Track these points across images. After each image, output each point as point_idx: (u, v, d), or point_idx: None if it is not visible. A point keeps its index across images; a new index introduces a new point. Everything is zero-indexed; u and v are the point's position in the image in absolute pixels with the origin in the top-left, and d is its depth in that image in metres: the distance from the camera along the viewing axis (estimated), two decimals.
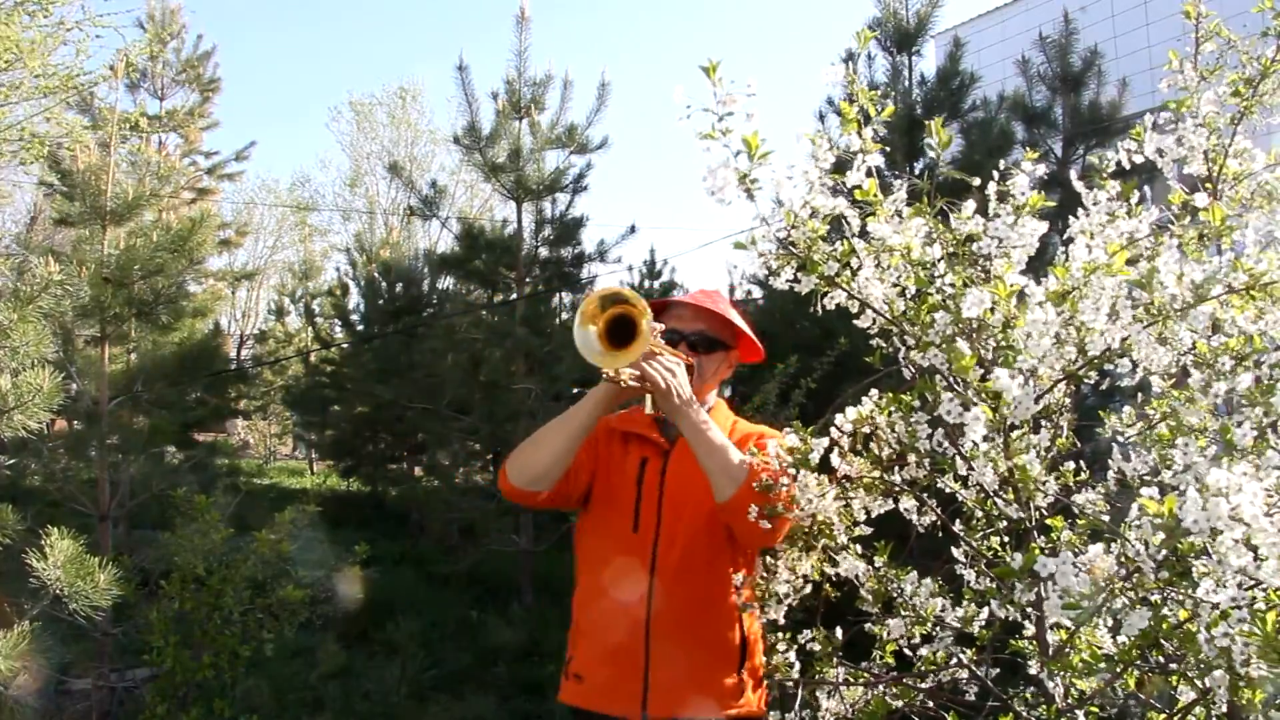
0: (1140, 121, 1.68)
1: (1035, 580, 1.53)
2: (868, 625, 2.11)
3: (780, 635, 2.06)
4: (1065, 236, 1.65)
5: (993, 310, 1.54)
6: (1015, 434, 1.68)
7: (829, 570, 2.07)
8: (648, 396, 1.87)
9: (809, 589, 2.07)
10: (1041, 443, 1.70)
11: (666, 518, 1.98)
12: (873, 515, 2.05)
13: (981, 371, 1.56)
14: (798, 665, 2.03)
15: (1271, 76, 1.65)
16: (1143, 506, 1.30)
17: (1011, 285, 1.55)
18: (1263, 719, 1.41)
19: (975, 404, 1.49)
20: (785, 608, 2.06)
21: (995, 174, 1.67)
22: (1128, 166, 1.68)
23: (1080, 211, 1.64)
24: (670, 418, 1.90)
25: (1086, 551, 1.39)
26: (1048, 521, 1.76)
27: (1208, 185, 1.67)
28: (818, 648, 2.07)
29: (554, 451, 1.92)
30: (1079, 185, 1.69)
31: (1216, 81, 1.68)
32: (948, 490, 1.96)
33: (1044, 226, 1.62)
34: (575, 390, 6.96)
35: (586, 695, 1.94)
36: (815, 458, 1.77)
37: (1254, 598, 1.27)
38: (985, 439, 1.55)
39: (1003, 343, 1.56)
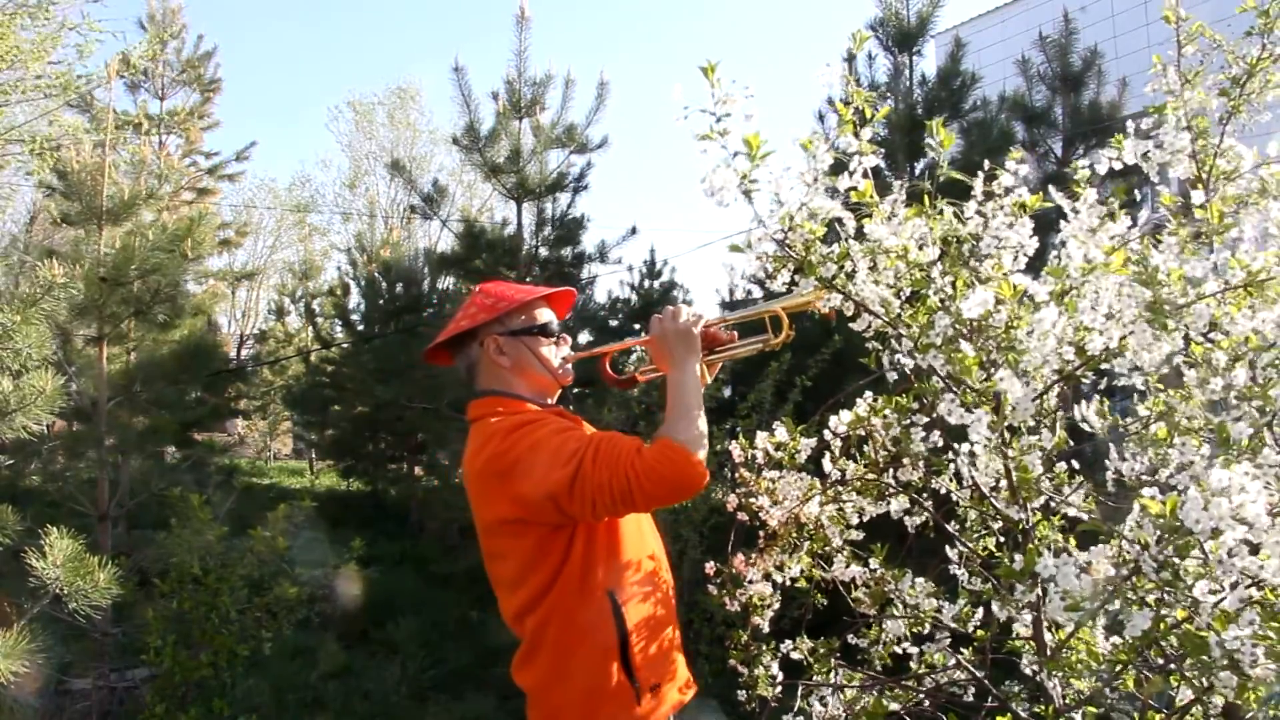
0: (1126, 127, 1.68)
1: (1036, 581, 1.53)
2: (851, 637, 2.11)
3: (765, 646, 2.05)
4: (1059, 240, 1.64)
5: (995, 310, 1.54)
6: (1014, 434, 1.68)
7: (819, 574, 2.07)
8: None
9: (778, 594, 2.06)
10: (1040, 443, 1.70)
11: None
12: (865, 518, 2.05)
13: (983, 374, 1.56)
14: (780, 675, 2.04)
15: (1258, 75, 1.66)
16: (1144, 507, 1.30)
17: (1018, 286, 1.55)
18: (1261, 717, 1.41)
19: (979, 404, 1.49)
20: (771, 613, 2.06)
21: (980, 174, 1.66)
22: (1103, 173, 1.67)
23: (1067, 218, 1.63)
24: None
25: (1078, 552, 1.39)
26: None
27: (1199, 185, 1.67)
28: (806, 656, 2.07)
29: None
30: (1057, 196, 1.66)
31: (1200, 84, 1.68)
32: (942, 491, 1.95)
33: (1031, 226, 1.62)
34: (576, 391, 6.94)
35: (669, 699, 1.77)
36: (802, 457, 1.76)
37: (1250, 597, 1.27)
38: (987, 440, 1.55)
39: (1004, 343, 1.56)
